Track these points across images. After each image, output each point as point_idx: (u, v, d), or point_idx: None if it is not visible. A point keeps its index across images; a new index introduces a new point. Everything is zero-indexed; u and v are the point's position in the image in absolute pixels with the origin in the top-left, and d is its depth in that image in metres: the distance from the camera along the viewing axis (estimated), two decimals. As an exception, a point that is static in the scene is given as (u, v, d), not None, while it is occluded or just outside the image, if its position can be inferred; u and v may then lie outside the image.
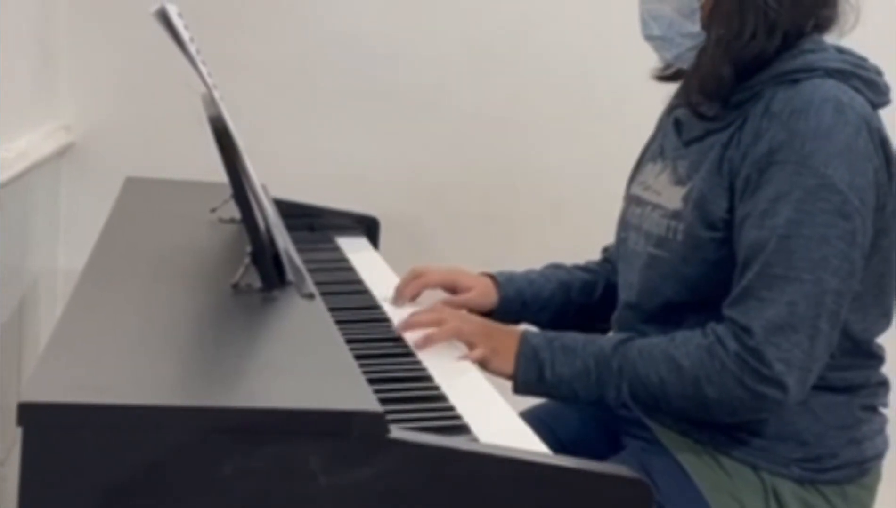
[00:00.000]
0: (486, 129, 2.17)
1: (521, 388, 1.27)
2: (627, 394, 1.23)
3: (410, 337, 1.26)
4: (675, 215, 1.29)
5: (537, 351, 1.26)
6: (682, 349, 1.21)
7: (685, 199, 1.28)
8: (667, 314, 1.29)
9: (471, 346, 1.25)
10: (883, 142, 1.25)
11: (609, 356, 1.24)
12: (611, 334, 1.35)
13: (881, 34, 2.11)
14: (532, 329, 1.37)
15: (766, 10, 1.24)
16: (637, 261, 1.34)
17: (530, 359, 1.26)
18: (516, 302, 1.45)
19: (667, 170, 1.34)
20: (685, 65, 1.33)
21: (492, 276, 1.48)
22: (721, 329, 1.21)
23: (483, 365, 1.25)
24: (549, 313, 1.47)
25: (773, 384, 1.18)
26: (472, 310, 1.40)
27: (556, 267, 1.52)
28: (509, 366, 1.26)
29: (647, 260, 1.32)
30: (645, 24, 1.34)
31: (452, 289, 1.45)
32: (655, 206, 1.33)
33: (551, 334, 1.29)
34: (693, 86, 1.30)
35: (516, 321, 1.47)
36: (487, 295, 1.45)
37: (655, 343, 1.24)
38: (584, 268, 1.52)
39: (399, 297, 1.42)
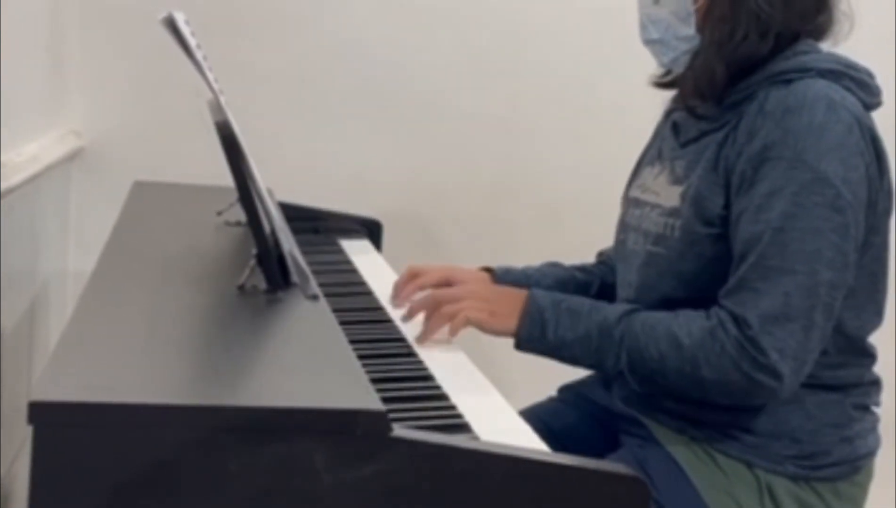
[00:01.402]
0: (487, 133, 2.19)
1: (522, 344, 1.28)
2: (626, 365, 1.25)
3: (412, 334, 1.27)
4: (673, 212, 1.31)
5: (542, 311, 1.27)
6: (685, 327, 1.23)
7: (682, 197, 1.30)
8: (664, 310, 1.29)
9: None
10: (874, 140, 1.26)
11: (612, 325, 1.25)
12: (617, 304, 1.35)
13: (879, 36, 2.12)
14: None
15: (759, 12, 1.26)
16: (636, 260, 1.35)
17: (535, 318, 1.27)
18: None
19: (665, 171, 1.36)
20: (681, 68, 1.34)
21: (489, 270, 1.50)
22: (724, 313, 1.22)
23: (480, 327, 1.27)
24: None
25: (768, 372, 1.19)
26: None
27: (553, 264, 1.54)
28: (511, 325, 1.27)
29: (645, 257, 1.33)
30: (644, 28, 1.35)
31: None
32: (654, 206, 1.35)
33: (559, 296, 1.30)
34: (688, 86, 1.32)
35: None
36: None
37: (659, 318, 1.25)
38: (580, 268, 1.53)
39: (396, 297, 1.44)
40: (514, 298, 1.29)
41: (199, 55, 1.18)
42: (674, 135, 1.38)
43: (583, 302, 1.29)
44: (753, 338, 1.19)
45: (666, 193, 1.34)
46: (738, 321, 1.20)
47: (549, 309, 1.27)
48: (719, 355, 1.20)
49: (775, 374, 1.19)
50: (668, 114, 1.43)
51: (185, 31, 1.16)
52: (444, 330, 1.29)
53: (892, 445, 1.99)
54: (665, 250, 1.31)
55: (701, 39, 1.30)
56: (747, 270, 1.21)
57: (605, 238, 1.53)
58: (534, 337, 1.27)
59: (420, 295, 1.44)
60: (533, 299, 1.28)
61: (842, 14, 1.32)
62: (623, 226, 1.42)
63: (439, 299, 1.30)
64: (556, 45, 2.19)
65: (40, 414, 0.82)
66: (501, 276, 1.49)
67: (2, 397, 1.59)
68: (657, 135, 1.46)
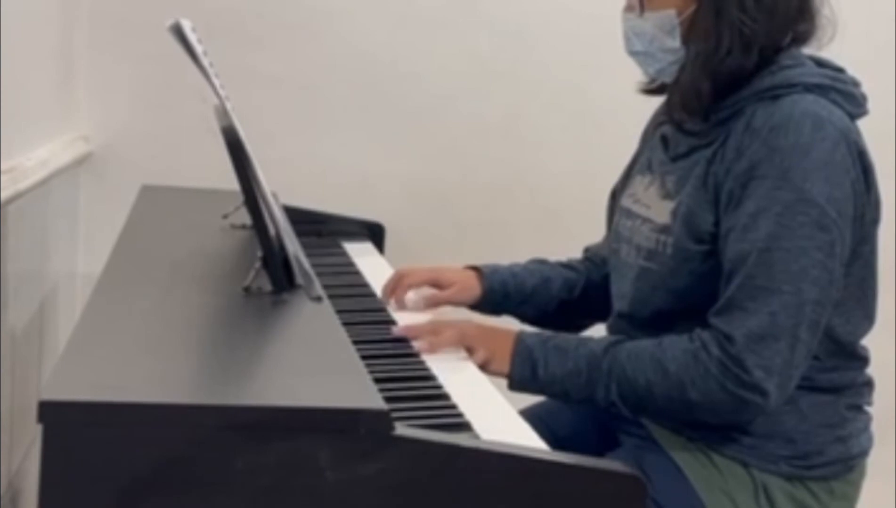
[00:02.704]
0: (487, 140, 2.19)
1: (515, 385, 1.30)
2: (616, 395, 1.26)
3: (415, 343, 1.28)
4: (664, 229, 1.31)
5: (531, 351, 1.29)
6: (669, 353, 1.24)
7: (673, 214, 1.31)
8: (658, 322, 1.31)
9: (471, 351, 1.29)
10: (860, 153, 1.26)
11: (599, 357, 1.27)
12: (602, 335, 1.37)
13: (877, 37, 2.12)
14: (528, 329, 1.39)
15: (742, 26, 1.26)
16: (629, 273, 1.36)
17: (525, 358, 1.29)
18: (499, 293, 1.49)
19: (655, 183, 1.37)
20: (668, 78, 1.35)
21: (477, 268, 1.51)
22: (706, 335, 1.23)
23: (483, 367, 1.28)
24: (530, 307, 1.50)
25: (753, 390, 1.21)
26: (455, 304, 1.45)
27: (541, 262, 1.55)
28: (506, 366, 1.29)
29: (638, 272, 1.34)
30: (628, 40, 1.36)
31: (436, 286, 1.48)
32: (645, 220, 1.36)
33: (546, 334, 1.32)
34: (675, 102, 1.32)
35: (498, 312, 1.51)
36: (470, 289, 1.48)
37: (644, 346, 1.26)
38: (566, 265, 1.54)
39: (386, 298, 1.46)
40: (507, 338, 1.30)
41: (205, 61, 1.19)
42: (663, 149, 1.38)
43: (569, 339, 1.31)
44: (736, 357, 1.20)
45: (657, 208, 1.34)
46: (723, 340, 1.21)
47: (537, 348, 1.29)
48: (704, 377, 1.22)
49: (761, 391, 1.21)
50: (657, 126, 1.43)
51: (192, 38, 1.17)
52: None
53: (892, 444, 2.00)
54: (657, 266, 1.32)
55: (686, 53, 1.31)
56: (735, 290, 1.22)
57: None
58: (525, 378, 1.29)
59: (410, 296, 1.45)
60: (522, 340, 1.30)
61: (825, 19, 1.32)
62: (616, 236, 1.42)
63: (442, 326, 1.31)
64: (556, 51, 2.19)
65: (50, 412, 0.83)
66: (489, 274, 1.50)
67: (12, 396, 1.61)
68: (645, 142, 1.46)
